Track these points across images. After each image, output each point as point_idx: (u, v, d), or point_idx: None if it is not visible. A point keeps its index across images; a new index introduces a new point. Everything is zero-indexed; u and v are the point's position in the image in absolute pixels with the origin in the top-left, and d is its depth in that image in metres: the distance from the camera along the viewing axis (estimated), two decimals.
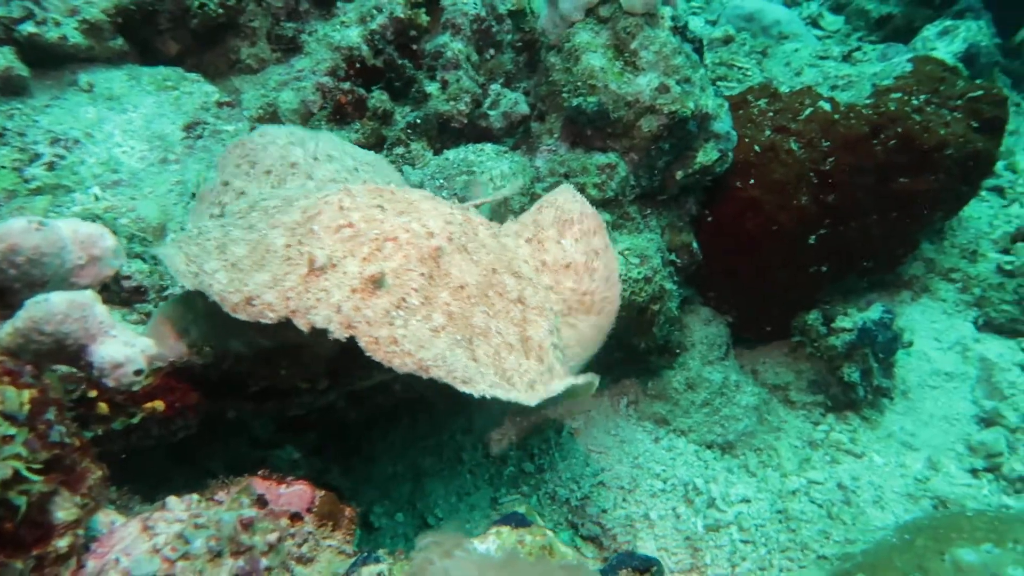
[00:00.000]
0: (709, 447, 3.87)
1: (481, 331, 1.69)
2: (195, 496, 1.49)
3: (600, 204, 3.02)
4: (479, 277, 1.79)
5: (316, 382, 1.89)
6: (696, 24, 5.89)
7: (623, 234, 3.03)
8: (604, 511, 3.48)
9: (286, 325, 1.55)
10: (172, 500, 1.46)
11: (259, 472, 1.58)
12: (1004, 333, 4.34)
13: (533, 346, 1.78)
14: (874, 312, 4.00)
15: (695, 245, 3.44)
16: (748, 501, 3.64)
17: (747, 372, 4.25)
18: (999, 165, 5.45)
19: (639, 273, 2.96)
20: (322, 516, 1.59)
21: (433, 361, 1.54)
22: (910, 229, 4.12)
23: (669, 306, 3.18)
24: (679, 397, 3.87)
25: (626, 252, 2.96)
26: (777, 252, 3.79)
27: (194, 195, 2.56)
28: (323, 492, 1.64)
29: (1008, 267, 4.38)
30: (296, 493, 1.58)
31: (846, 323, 4.00)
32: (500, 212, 2.70)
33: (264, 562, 1.38)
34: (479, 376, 1.57)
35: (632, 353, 3.51)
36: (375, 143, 2.97)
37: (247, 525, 1.40)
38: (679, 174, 3.22)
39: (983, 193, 5.28)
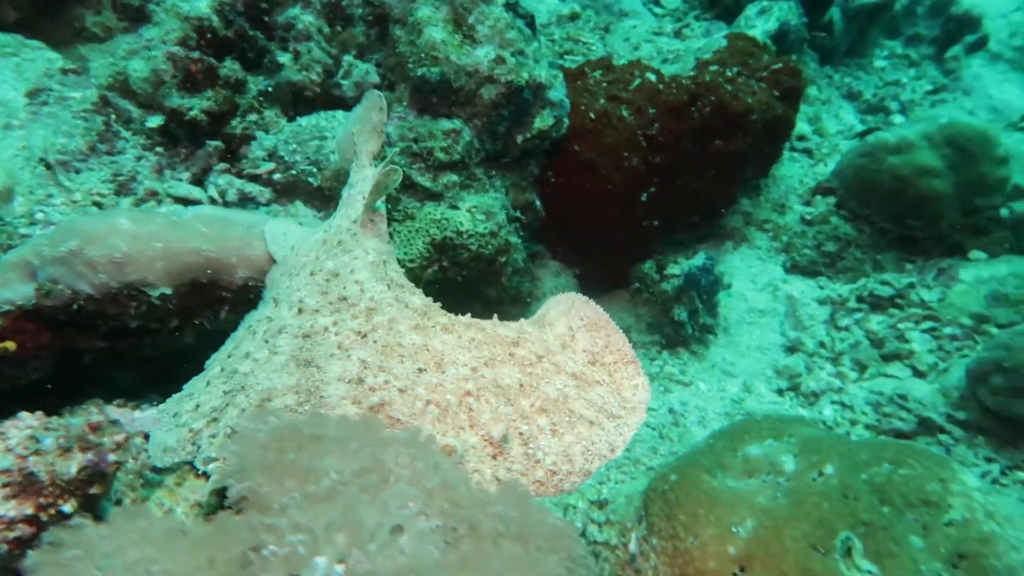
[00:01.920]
0: None
1: (553, 402, 1.94)
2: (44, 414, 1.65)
3: (448, 167, 3.32)
4: (518, 375, 1.99)
5: (166, 321, 2.08)
6: (550, 1, 6.27)
7: (470, 193, 3.36)
8: None
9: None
10: (24, 413, 1.63)
11: (115, 402, 1.77)
12: (806, 274, 5.08)
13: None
14: (698, 259, 4.58)
15: (538, 203, 3.83)
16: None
17: None
18: (807, 129, 6.25)
19: (485, 228, 3.31)
20: None
21: (583, 453, 1.79)
22: (728, 186, 4.72)
23: (515, 258, 3.55)
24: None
25: (473, 209, 3.29)
26: (614, 209, 4.26)
27: (43, 160, 2.62)
28: None
29: (808, 217, 5.11)
30: (148, 417, 1.79)
31: (675, 270, 4.56)
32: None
33: (112, 457, 1.57)
34: (612, 435, 1.87)
35: (486, 303, 3.87)
36: (228, 110, 3.10)
37: (95, 428, 1.59)
38: (519, 138, 3.58)
39: (795, 154, 6.06)
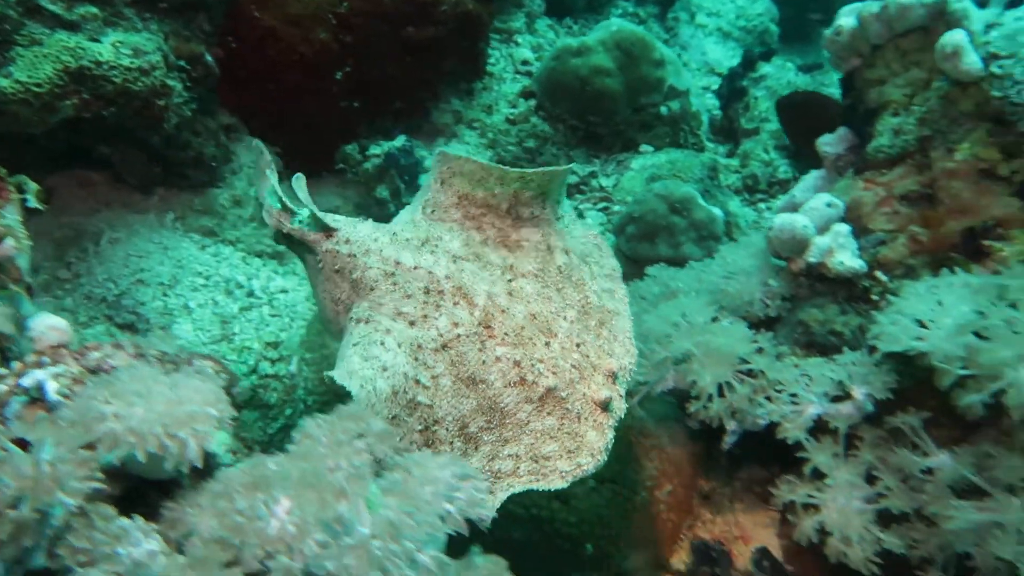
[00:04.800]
0: (259, 256, 4.41)
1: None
2: None
3: (89, 0, 3.27)
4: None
5: None
6: None
7: (117, 31, 3.33)
8: (141, 303, 3.82)
9: None
10: None
11: None
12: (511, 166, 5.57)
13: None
14: (398, 141, 4.87)
15: (209, 59, 3.87)
16: (286, 291, 4.27)
17: None
18: (531, 55, 6.79)
19: (132, 63, 3.30)
20: None
21: None
22: (428, 76, 5.05)
23: (180, 105, 3.58)
24: (226, 212, 4.33)
25: (118, 44, 3.28)
26: (306, 81, 4.41)
27: None
28: None
29: (512, 117, 5.61)
30: None
31: (376, 150, 4.82)
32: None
33: None
34: None
35: (168, 165, 3.87)
36: None
37: None
38: None
39: (518, 76, 6.57)
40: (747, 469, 2.99)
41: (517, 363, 1.80)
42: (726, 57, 9.93)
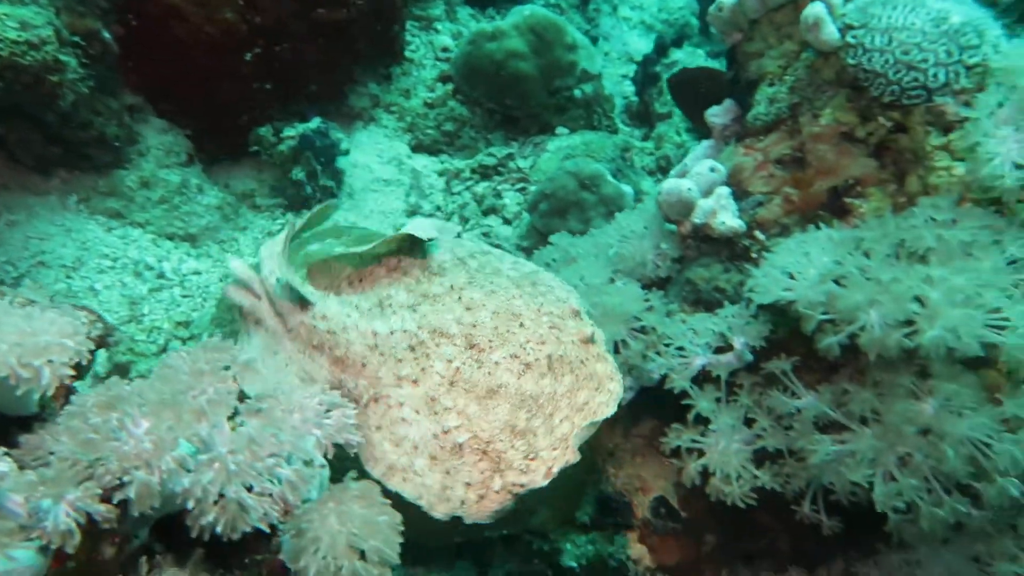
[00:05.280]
0: (170, 238, 4.35)
1: None
2: None
3: None
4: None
5: None
6: None
7: (3, 4, 3.25)
8: (41, 287, 3.72)
9: None
10: None
11: None
12: (430, 152, 5.63)
13: None
14: (313, 123, 4.87)
15: (107, 35, 3.79)
16: (199, 273, 4.23)
17: (220, 184, 4.82)
18: (451, 43, 6.85)
19: (20, 36, 3.22)
20: None
21: None
22: (343, 58, 5.06)
23: (73, 80, 3.50)
24: (133, 194, 4.25)
25: (3, 16, 3.19)
26: (214, 62, 4.36)
27: None
28: None
29: (430, 101, 5.67)
30: None
31: (291, 132, 4.80)
32: None
33: None
34: None
35: (67, 145, 3.78)
36: None
37: None
38: None
39: (438, 62, 6.62)
40: (646, 423, 3.15)
41: (514, 356, 1.96)
42: (647, 47, 10.20)
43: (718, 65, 6.72)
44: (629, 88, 6.96)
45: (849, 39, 2.59)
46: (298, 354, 2.07)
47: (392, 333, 2.01)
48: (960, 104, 2.44)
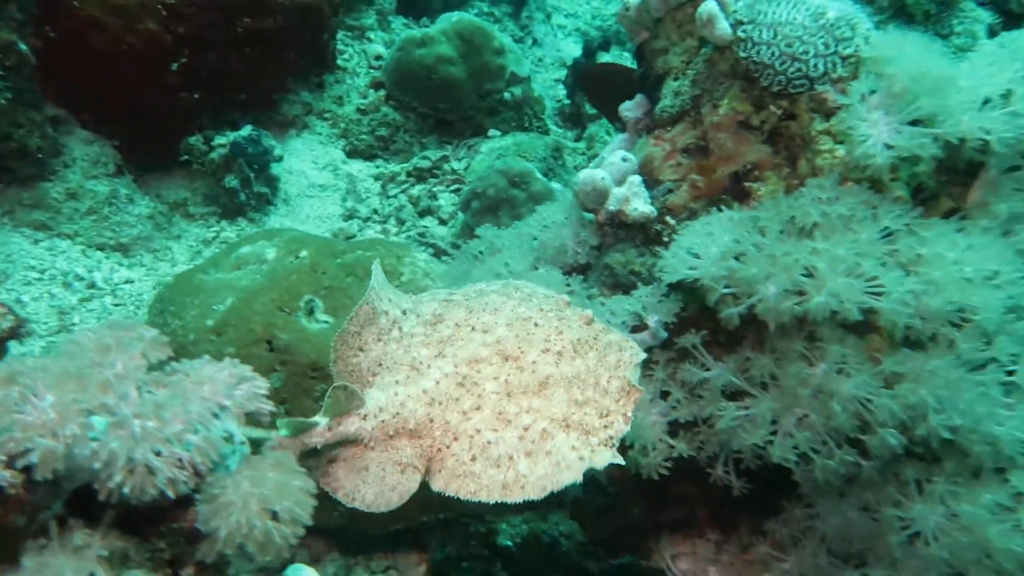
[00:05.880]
0: (101, 249, 4.32)
1: None
2: None
3: None
4: None
5: None
6: None
7: None
8: None
9: None
10: None
11: None
12: (365, 157, 5.70)
13: None
14: (244, 131, 4.89)
15: (23, 47, 3.77)
16: (131, 282, 4.20)
17: (152, 194, 4.80)
18: (384, 51, 6.94)
19: None
20: None
21: None
22: (272, 67, 5.10)
23: None
24: (60, 206, 4.21)
25: None
26: (136, 72, 4.36)
27: None
28: None
29: (363, 107, 5.74)
30: None
31: (221, 140, 4.82)
32: None
33: None
34: None
35: None
36: None
37: None
38: None
39: (372, 71, 6.70)
40: None
41: (545, 351, 2.20)
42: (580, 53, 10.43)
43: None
44: (562, 92, 7.16)
45: (740, 34, 2.78)
46: (382, 455, 2.16)
47: (438, 383, 2.17)
48: (838, 92, 2.65)
